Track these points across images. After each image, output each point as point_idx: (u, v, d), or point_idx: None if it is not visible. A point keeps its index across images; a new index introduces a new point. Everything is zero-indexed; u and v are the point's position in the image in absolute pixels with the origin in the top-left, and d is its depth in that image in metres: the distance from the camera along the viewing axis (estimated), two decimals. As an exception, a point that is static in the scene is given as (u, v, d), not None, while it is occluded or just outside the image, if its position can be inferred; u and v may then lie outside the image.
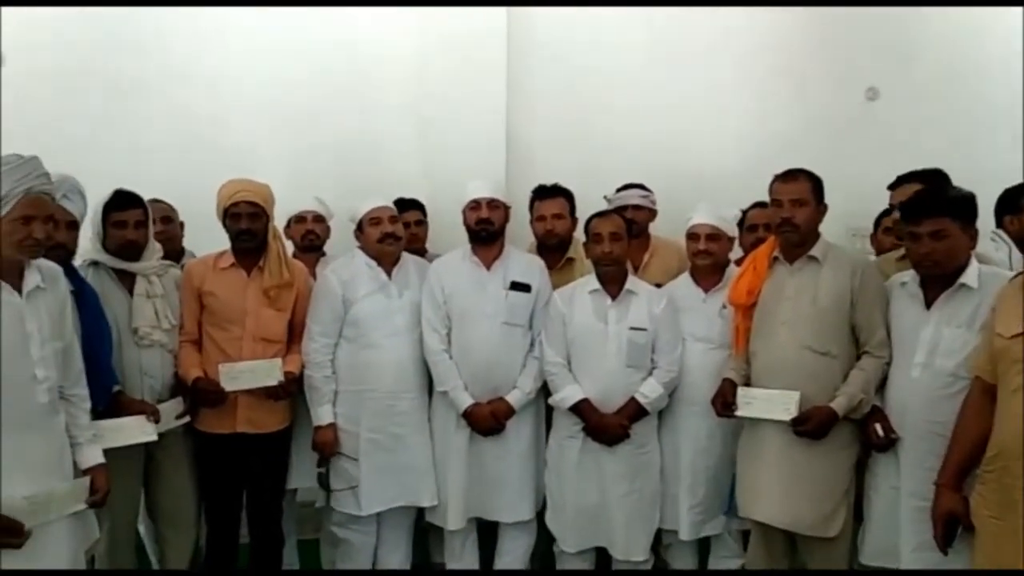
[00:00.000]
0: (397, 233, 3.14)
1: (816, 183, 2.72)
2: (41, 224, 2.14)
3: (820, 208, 2.73)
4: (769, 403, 2.68)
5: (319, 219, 3.48)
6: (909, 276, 2.58)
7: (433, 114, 3.99)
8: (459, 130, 3.96)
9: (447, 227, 3.61)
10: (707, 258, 3.03)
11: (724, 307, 3.00)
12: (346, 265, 3.14)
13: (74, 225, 2.60)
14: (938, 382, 2.43)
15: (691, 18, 4.19)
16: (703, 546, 3.25)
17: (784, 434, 2.65)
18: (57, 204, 2.30)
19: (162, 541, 3.02)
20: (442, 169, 3.93)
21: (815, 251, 2.71)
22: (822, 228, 2.76)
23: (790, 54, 4.26)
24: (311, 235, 3.44)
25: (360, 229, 3.16)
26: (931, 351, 2.46)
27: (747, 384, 2.79)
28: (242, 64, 3.95)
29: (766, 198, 2.82)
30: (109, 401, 2.62)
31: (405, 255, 3.23)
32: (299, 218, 3.45)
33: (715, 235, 3.03)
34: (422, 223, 3.70)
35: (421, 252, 3.55)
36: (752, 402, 2.73)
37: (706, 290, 3.07)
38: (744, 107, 4.22)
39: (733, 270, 3.06)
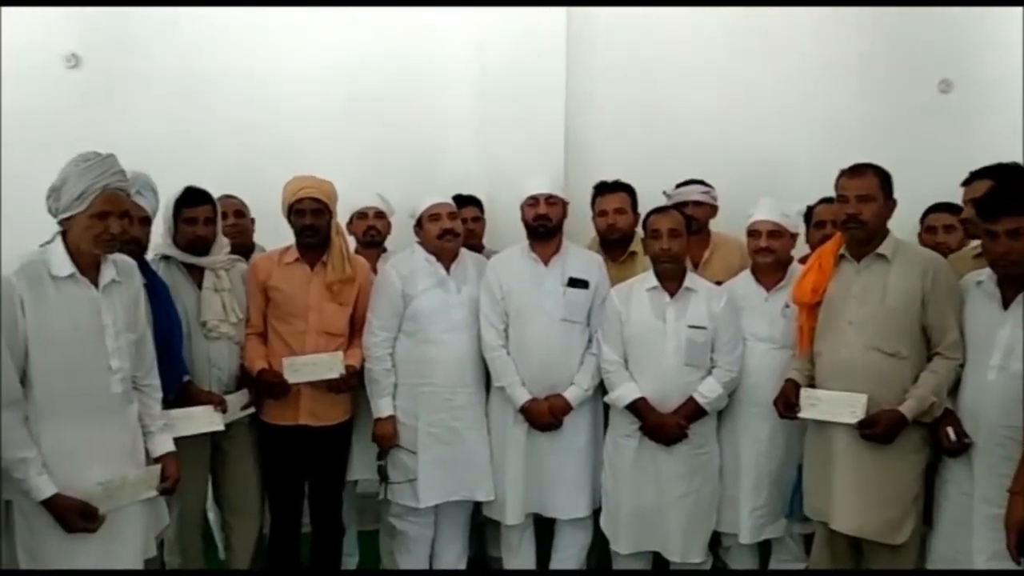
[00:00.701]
0: (456, 229, 3.16)
1: (884, 178, 2.64)
2: (117, 219, 2.22)
3: (888, 204, 2.65)
4: (834, 405, 2.62)
5: (380, 215, 3.52)
6: (985, 275, 2.48)
7: (493, 111, 3.99)
8: (518, 127, 3.95)
9: (506, 224, 3.63)
10: (769, 255, 2.97)
11: (787, 306, 2.94)
12: (406, 261, 3.18)
13: (147, 221, 2.69)
14: (1014, 385, 2.34)
15: (753, 12, 4.10)
16: (763, 549, 3.19)
17: (851, 437, 2.59)
18: (131, 200, 2.39)
19: (228, 528, 3.11)
20: (501, 166, 3.93)
21: (883, 248, 2.64)
22: (890, 224, 2.68)
23: (859, 45, 4.13)
24: (372, 231, 3.48)
25: (420, 225, 3.18)
26: (1007, 353, 2.37)
27: (811, 385, 2.73)
28: (306, 62, 4.03)
29: (833, 193, 2.75)
30: (179, 391, 2.70)
31: (463, 251, 3.25)
32: (361, 214, 3.49)
33: (777, 232, 2.97)
34: (479, 219, 3.72)
35: (478, 248, 3.57)
36: (816, 404, 2.67)
37: (768, 288, 3.01)
38: (810, 100, 4.10)
39: (796, 268, 2.99)
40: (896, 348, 2.57)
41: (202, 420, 2.72)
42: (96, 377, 2.23)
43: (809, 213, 3.28)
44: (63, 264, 2.19)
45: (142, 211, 2.63)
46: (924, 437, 2.58)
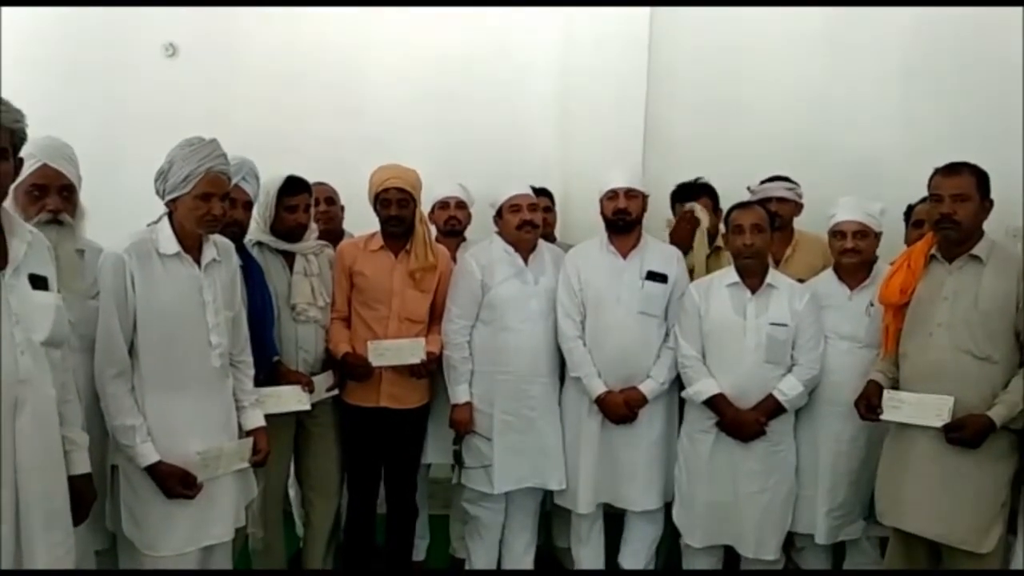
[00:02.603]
0: (535, 221, 3.19)
1: (981, 178, 2.57)
2: (219, 201, 2.33)
3: (985, 204, 2.58)
4: (920, 408, 2.56)
5: (461, 205, 3.57)
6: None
7: (574, 104, 4.02)
8: (598, 122, 3.97)
9: (585, 217, 3.65)
10: (854, 256, 2.93)
11: (871, 305, 2.89)
12: (485, 250, 3.22)
13: (249, 205, 2.80)
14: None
15: (838, 9, 4.03)
16: (837, 551, 3.15)
17: (935, 441, 2.53)
18: (236, 185, 2.50)
19: (308, 505, 3.21)
20: (580, 158, 3.96)
21: (978, 250, 2.57)
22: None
23: (950, 41, 4.01)
24: (453, 220, 3.54)
25: (500, 215, 3.23)
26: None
27: (894, 387, 2.68)
28: (394, 55, 4.12)
29: (922, 192, 2.69)
30: (269, 370, 2.81)
31: (541, 242, 3.28)
32: (442, 204, 3.55)
33: (862, 231, 2.93)
34: (551, 210, 3.74)
35: (550, 240, 3.58)
36: (900, 406, 2.62)
37: (852, 287, 2.97)
38: (899, 97, 4.00)
39: (882, 267, 2.94)
40: (988, 352, 2.51)
41: (290, 399, 2.82)
42: (197, 351, 2.34)
43: (909, 212, 3.21)
44: (169, 243, 2.31)
45: (246, 195, 2.74)
46: (1013, 444, 2.51)
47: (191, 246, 2.35)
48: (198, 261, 2.36)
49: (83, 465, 2.07)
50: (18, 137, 1.82)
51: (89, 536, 2.25)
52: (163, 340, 2.29)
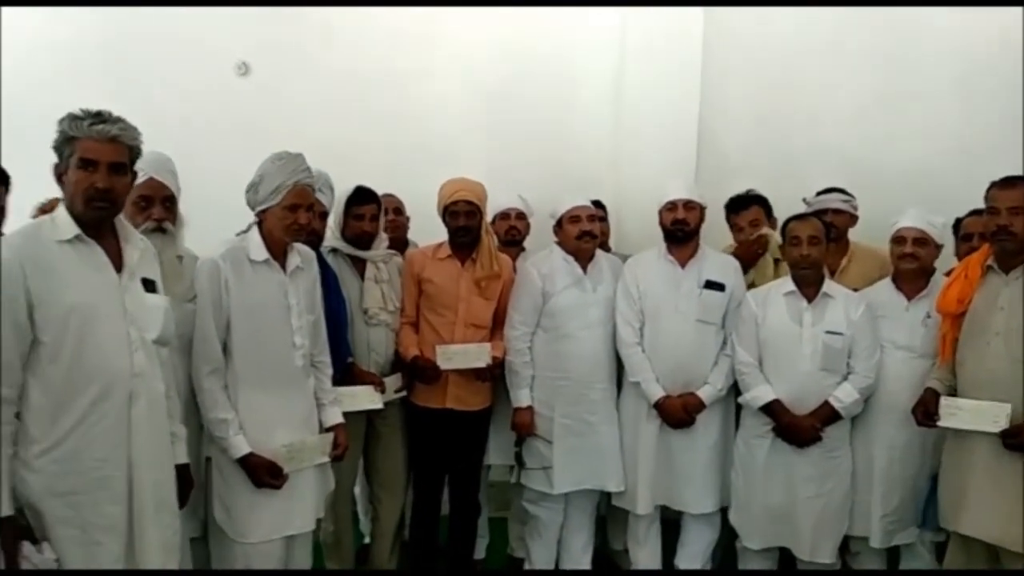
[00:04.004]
0: (594, 231, 3.30)
1: (1038, 191, 2.62)
2: (305, 212, 2.50)
3: (1041, 217, 2.62)
4: (977, 414, 2.61)
5: (521, 216, 3.70)
6: None
7: (627, 118, 4.13)
8: (652, 133, 4.07)
9: (638, 227, 3.75)
10: (912, 262, 2.99)
11: (928, 316, 2.94)
12: (545, 259, 3.34)
13: (324, 215, 2.97)
14: None
15: (895, 16, 4.07)
16: (892, 555, 3.19)
17: (994, 446, 2.57)
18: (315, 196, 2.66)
19: (376, 501, 3.36)
20: (634, 171, 4.07)
21: (1034, 261, 2.62)
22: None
23: (1004, 56, 4.03)
24: (513, 231, 3.66)
25: (559, 225, 3.34)
26: None
27: (951, 394, 2.73)
28: (452, 74, 4.29)
29: (976, 205, 2.75)
30: (344, 371, 2.95)
31: (599, 252, 3.39)
32: (503, 215, 3.67)
33: (923, 239, 2.99)
34: (604, 220, 3.83)
35: (604, 249, 3.67)
36: (958, 413, 2.67)
37: (909, 297, 3.02)
38: (953, 110, 4.04)
39: (939, 278, 2.99)
40: (1044, 360, 2.55)
41: (364, 398, 2.97)
42: (283, 351, 2.50)
43: (957, 225, 3.26)
44: (259, 250, 2.48)
45: (322, 206, 2.90)
46: (1071, 450, 2.54)
47: (278, 253, 2.52)
48: (284, 267, 2.53)
49: (183, 456, 2.25)
50: (135, 153, 2.01)
51: (184, 523, 2.41)
52: (253, 340, 2.46)
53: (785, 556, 3.19)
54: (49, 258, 1.91)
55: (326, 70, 4.26)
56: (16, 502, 1.88)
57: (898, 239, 3.02)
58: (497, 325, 3.32)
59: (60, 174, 1.96)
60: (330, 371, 2.74)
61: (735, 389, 3.17)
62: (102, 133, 1.91)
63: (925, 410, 2.74)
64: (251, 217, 2.58)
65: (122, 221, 2.08)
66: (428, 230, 3.44)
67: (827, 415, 2.97)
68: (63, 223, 1.95)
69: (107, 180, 1.93)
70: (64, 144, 1.93)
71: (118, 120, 1.95)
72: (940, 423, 2.70)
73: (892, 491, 3.00)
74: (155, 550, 2.04)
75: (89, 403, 1.92)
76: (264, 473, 2.42)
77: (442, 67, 4.30)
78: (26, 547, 1.87)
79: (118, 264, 2.01)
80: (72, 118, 1.92)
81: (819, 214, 3.24)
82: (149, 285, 2.07)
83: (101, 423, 1.93)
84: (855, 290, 3.16)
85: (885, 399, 3.00)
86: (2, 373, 1.78)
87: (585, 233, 3.26)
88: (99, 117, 1.92)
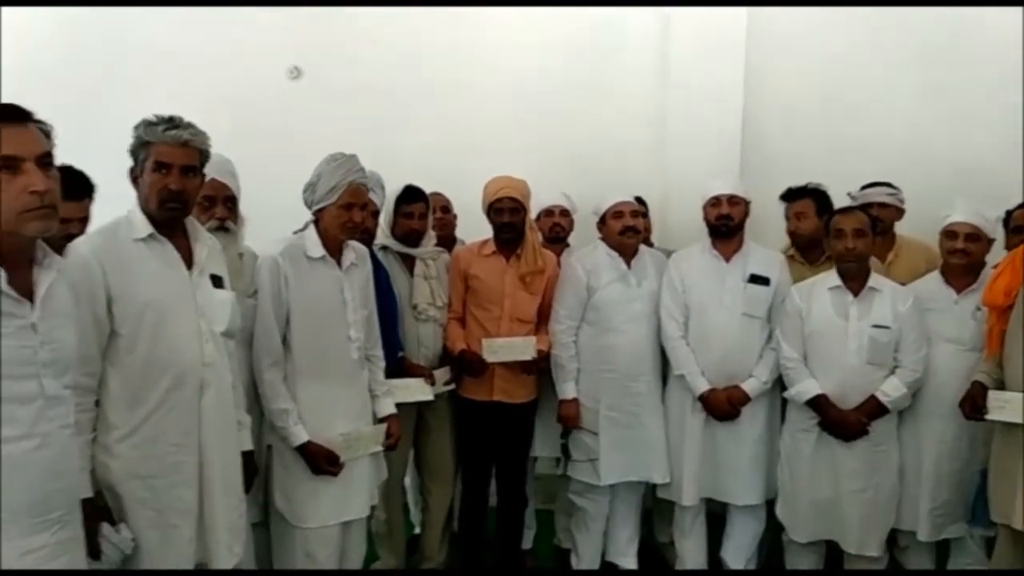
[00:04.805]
0: (637, 227, 3.35)
1: (1089, 183, 2.60)
2: (359, 210, 2.60)
3: (1093, 209, 2.61)
4: (1025, 407, 2.61)
5: (565, 213, 3.76)
6: None
7: (671, 114, 4.17)
8: (696, 128, 4.10)
9: (682, 221, 3.79)
10: (963, 258, 2.98)
11: (978, 309, 2.93)
12: (589, 255, 3.40)
13: (376, 214, 3.07)
14: None
15: (942, 15, 4.04)
16: (941, 549, 3.18)
17: (1043, 439, 2.57)
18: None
19: (425, 492, 3.45)
20: (678, 166, 4.10)
21: (1084, 252, 2.60)
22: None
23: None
24: (557, 227, 3.73)
25: (603, 222, 3.40)
26: None
27: (999, 388, 2.72)
28: (495, 73, 4.38)
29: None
30: (395, 365, 3.04)
31: (643, 247, 3.44)
32: (547, 212, 3.75)
33: (975, 235, 2.98)
34: (646, 216, 3.86)
35: (647, 244, 3.71)
36: (1005, 406, 2.67)
37: (958, 291, 3.02)
38: (1003, 103, 3.99)
39: (989, 272, 2.97)
40: (1093, 353, 2.54)
41: (416, 390, 3.06)
42: (339, 344, 2.60)
43: (1007, 218, 3.23)
44: (316, 247, 2.59)
45: (374, 205, 3.00)
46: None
47: (333, 251, 2.62)
48: (339, 264, 2.63)
49: (249, 443, 2.36)
50: (205, 156, 2.12)
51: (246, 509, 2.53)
52: (311, 334, 2.56)
53: (832, 550, 3.20)
54: (126, 255, 2.04)
55: (375, 73, 4.37)
56: (95, 485, 2.00)
57: (949, 234, 3.01)
58: (542, 320, 3.39)
59: (135, 177, 2.09)
60: (383, 364, 2.83)
61: (780, 382, 3.19)
62: (175, 138, 2.03)
63: (973, 404, 2.75)
64: (300, 217, 2.69)
65: (192, 220, 2.19)
66: (474, 228, 3.53)
67: (873, 409, 2.98)
68: (138, 222, 2.07)
69: (179, 182, 2.05)
70: (139, 148, 2.06)
71: (189, 125, 2.07)
72: (988, 416, 2.70)
73: (941, 485, 3.00)
74: (223, 532, 2.15)
75: (163, 392, 2.03)
76: (322, 461, 2.52)
77: (488, 68, 4.38)
78: (105, 527, 1.98)
79: (188, 261, 2.13)
80: (147, 124, 2.04)
81: (865, 208, 3.23)
82: (217, 281, 2.18)
83: (174, 411, 2.05)
84: (902, 284, 3.15)
85: (934, 392, 3.00)
86: (83, 363, 1.90)
87: (628, 228, 3.31)
88: (172, 123, 2.04)
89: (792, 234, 3.47)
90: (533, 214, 3.66)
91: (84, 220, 2.55)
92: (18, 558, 1.58)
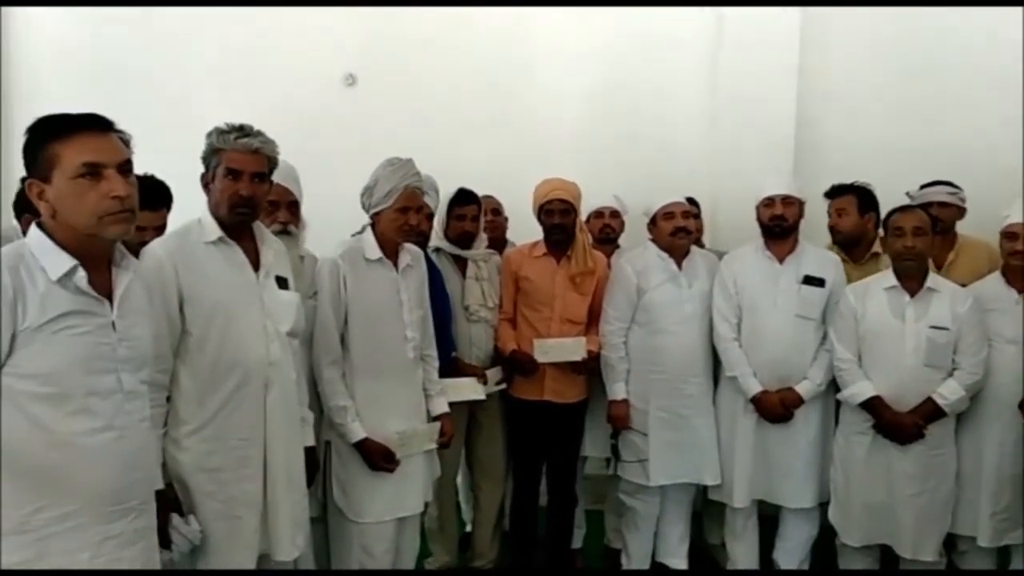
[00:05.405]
0: (688, 228, 3.35)
1: None
2: (415, 213, 2.66)
3: None
4: (1089, 410, 2.55)
5: (615, 214, 3.78)
6: None
7: (724, 112, 4.16)
8: (749, 128, 4.08)
9: (734, 221, 3.77)
10: (1023, 259, 2.91)
11: (1040, 310, 2.87)
12: (640, 256, 3.41)
13: (431, 217, 3.13)
14: None
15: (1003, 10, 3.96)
16: (1001, 555, 3.12)
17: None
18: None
19: (477, 489, 3.51)
20: (731, 166, 4.08)
21: None
22: None
23: None
24: (608, 229, 3.75)
25: (654, 222, 3.40)
26: None
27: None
28: (547, 76, 4.42)
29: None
30: (448, 364, 3.10)
31: (694, 248, 3.44)
32: (598, 213, 3.76)
33: None
34: (697, 217, 3.85)
35: (698, 245, 3.71)
36: (1068, 409, 2.61)
37: (1020, 291, 2.95)
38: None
39: (1051, 272, 2.91)
40: None
41: (468, 389, 3.12)
42: (396, 344, 2.67)
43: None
44: (373, 249, 2.66)
45: (430, 208, 3.06)
46: None
47: (390, 253, 2.69)
48: (396, 266, 2.70)
49: (311, 439, 2.44)
50: (273, 163, 2.21)
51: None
52: (369, 334, 2.63)
53: (886, 553, 3.16)
54: (197, 258, 2.13)
55: (428, 79, 4.45)
56: (166, 477, 2.09)
57: (1009, 235, 2.95)
58: (592, 320, 3.41)
59: (207, 183, 2.18)
60: (436, 363, 2.89)
61: (834, 385, 3.16)
62: (246, 146, 2.12)
63: (1035, 406, 2.69)
64: (356, 221, 2.76)
65: (259, 225, 2.28)
66: (525, 230, 3.56)
67: (930, 412, 2.93)
68: (208, 226, 2.17)
69: (249, 188, 2.13)
70: (211, 155, 2.15)
71: (259, 134, 2.16)
72: (1051, 419, 2.64)
73: (1002, 489, 2.94)
74: (286, 524, 2.23)
75: (232, 388, 2.12)
76: (379, 457, 2.59)
77: (539, 71, 4.43)
78: (175, 518, 2.07)
79: (256, 263, 2.21)
80: (219, 132, 2.13)
81: (924, 207, 3.18)
82: (282, 282, 2.26)
83: (242, 407, 2.13)
84: (963, 285, 3.09)
85: (995, 395, 2.94)
86: (156, 361, 1.99)
87: (679, 229, 3.31)
88: (243, 131, 2.13)
89: (832, 229, 3.42)
90: (583, 215, 3.68)
91: (160, 229, 2.62)
92: (98, 543, 1.67)
